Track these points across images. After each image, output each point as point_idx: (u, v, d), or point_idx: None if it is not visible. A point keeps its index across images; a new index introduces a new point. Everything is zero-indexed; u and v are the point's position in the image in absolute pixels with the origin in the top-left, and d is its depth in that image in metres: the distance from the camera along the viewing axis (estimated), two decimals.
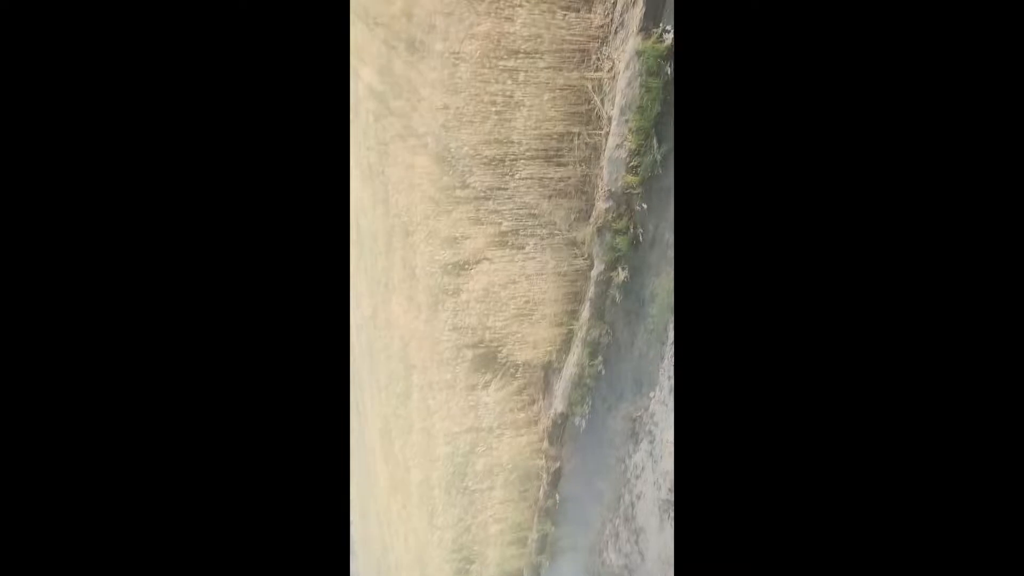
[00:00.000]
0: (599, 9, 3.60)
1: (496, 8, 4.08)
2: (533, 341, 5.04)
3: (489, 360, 5.86)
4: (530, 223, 4.69)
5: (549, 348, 5.01)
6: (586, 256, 4.29)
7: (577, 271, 4.46)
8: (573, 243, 4.33)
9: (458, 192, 5.61)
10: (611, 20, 3.55)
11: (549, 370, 5.26)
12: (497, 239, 5.19)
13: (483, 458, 6.26)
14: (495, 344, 5.59)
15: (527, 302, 4.95)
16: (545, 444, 5.51)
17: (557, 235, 4.47)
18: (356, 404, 15.77)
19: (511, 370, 5.56)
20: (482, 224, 5.35)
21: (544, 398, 5.50)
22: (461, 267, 5.97)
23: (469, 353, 6.10)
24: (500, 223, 4.99)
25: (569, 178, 4.16)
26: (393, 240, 8.09)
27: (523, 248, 4.83)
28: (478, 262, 5.54)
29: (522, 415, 5.70)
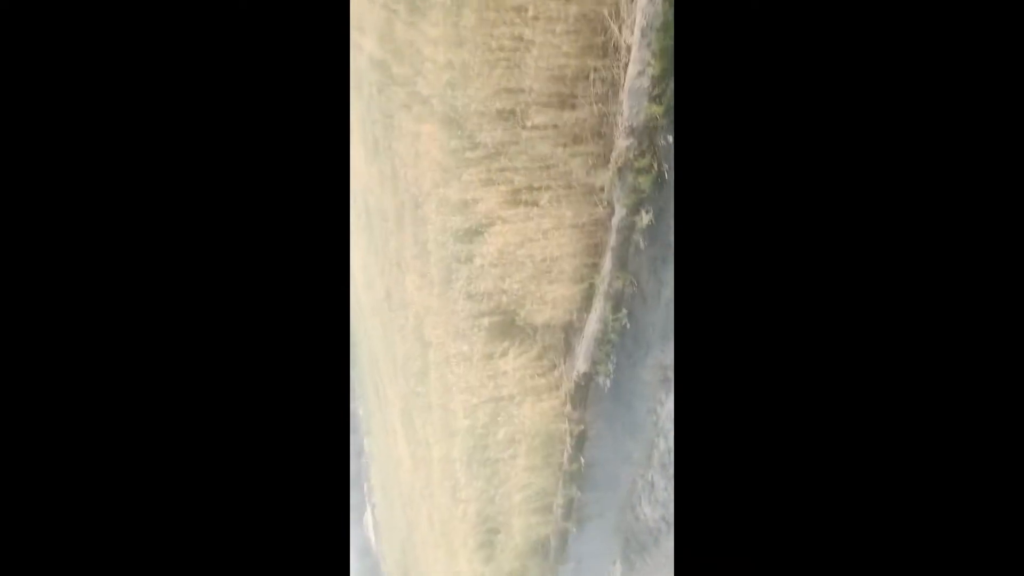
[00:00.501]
0: None
1: None
2: (552, 300, 4.73)
3: (507, 326, 5.57)
4: (544, 175, 4.36)
5: (569, 307, 4.71)
6: (606, 203, 3.96)
7: (596, 221, 4.13)
8: (591, 190, 4.00)
9: (467, 154, 5.28)
10: None
11: (570, 330, 4.95)
12: (510, 197, 4.87)
13: (504, 427, 5.99)
14: (512, 308, 5.29)
15: (544, 260, 4.64)
16: (568, 407, 5.23)
17: (574, 185, 4.14)
18: (376, 389, 15.64)
19: (529, 333, 5.26)
20: (494, 184, 5.02)
21: (565, 361, 5.20)
22: (474, 232, 5.66)
23: (485, 321, 5.80)
24: (512, 179, 4.67)
25: (585, 120, 3.82)
26: (404, 216, 7.79)
27: (537, 203, 4.50)
28: (491, 224, 5.23)
29: (543, 380, 5.41)
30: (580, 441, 5.15)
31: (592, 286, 4.37)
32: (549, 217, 4.42)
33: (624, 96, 3.40)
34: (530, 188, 4.52)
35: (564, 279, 4.51)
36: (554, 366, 5.33)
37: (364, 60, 7.47)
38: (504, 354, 5.68)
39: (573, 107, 3.83)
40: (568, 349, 5.05)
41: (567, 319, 4.82)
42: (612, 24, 3.38)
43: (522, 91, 4.13)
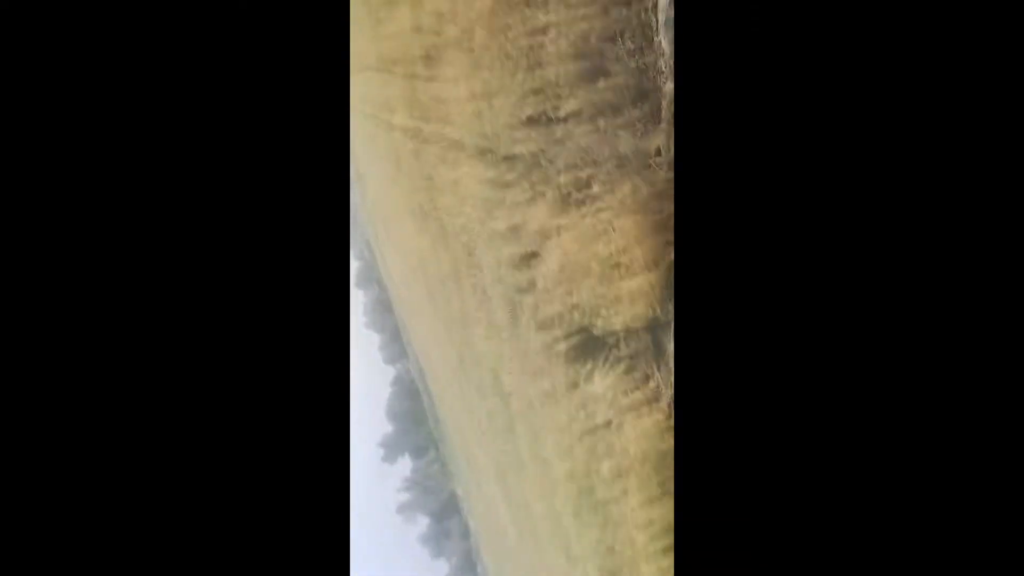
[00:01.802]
0: None
1: None
2: (629, 296, 4.02)
3: (586, 343, 4.85)
4: (589, 163, 3.84)
5: (650, 299, 3.97)
6: (666, 165, 3.35)
7: (659, 191, 3.50)
8: (647, 155, 3.41)
9: (507, 176, 4.89)
10: None
11: (656, 328, 4.17)
12: (558, 204, 4.35)
13: (606, 460, 5.11)
14: (587, 321, 4.61)
15: (610, 255, 4.00)
16: (674, 419, 4.32)
17: (626, 158, 3.57)
18: (469, 462, 14.83)
19: (612, 343, 4.51)
20: (540, 196, 4.55)
21: (659, 367, 4.37)
22: (530, 255, 5.15)
23: (562, 346, 5.11)
24: (558, 183, 4.18)
25: (623, 83, 3.31)
26: (459, 270, 7.44)
27: (590, 197, 3.96)
28: (546, 239, 4.70)
29: (639, 394, 4.56)
30: None
31: (671, 265, 3.65)
32: (606, 207, 3.84)
33: (662, 35, 2.88)
34: (578, 183, 3.99)
35: (637, 268, 3.83)
36: (647, 377, 4.50)
37: (399, 136, 7.53)
38: (589, 377, 4.93)
39: (607, 74, 3.35)
40: (659, 351, 4.24)
41: (650, 315, 4.06)
42: None
43: (548, 83, 3.73)
